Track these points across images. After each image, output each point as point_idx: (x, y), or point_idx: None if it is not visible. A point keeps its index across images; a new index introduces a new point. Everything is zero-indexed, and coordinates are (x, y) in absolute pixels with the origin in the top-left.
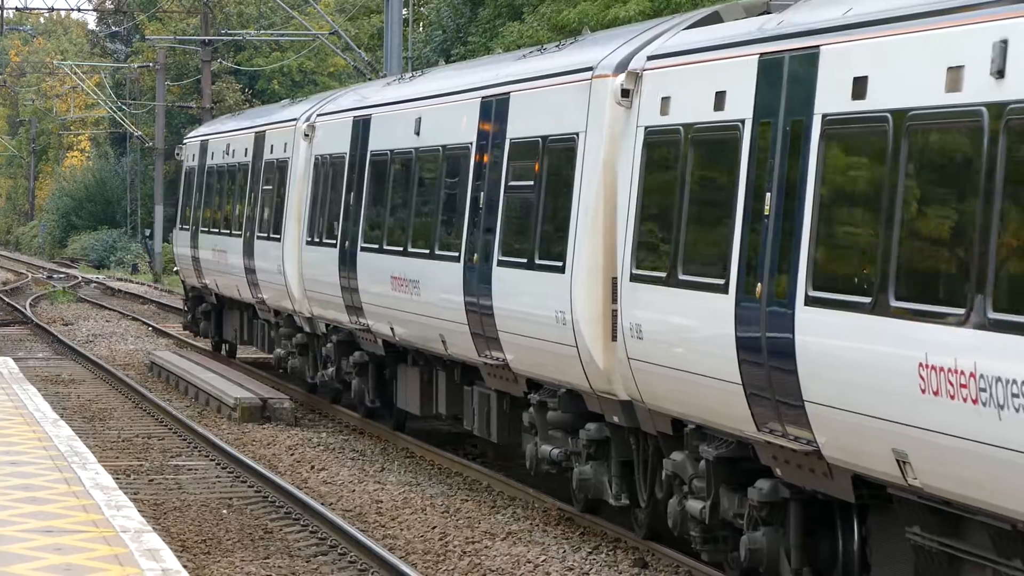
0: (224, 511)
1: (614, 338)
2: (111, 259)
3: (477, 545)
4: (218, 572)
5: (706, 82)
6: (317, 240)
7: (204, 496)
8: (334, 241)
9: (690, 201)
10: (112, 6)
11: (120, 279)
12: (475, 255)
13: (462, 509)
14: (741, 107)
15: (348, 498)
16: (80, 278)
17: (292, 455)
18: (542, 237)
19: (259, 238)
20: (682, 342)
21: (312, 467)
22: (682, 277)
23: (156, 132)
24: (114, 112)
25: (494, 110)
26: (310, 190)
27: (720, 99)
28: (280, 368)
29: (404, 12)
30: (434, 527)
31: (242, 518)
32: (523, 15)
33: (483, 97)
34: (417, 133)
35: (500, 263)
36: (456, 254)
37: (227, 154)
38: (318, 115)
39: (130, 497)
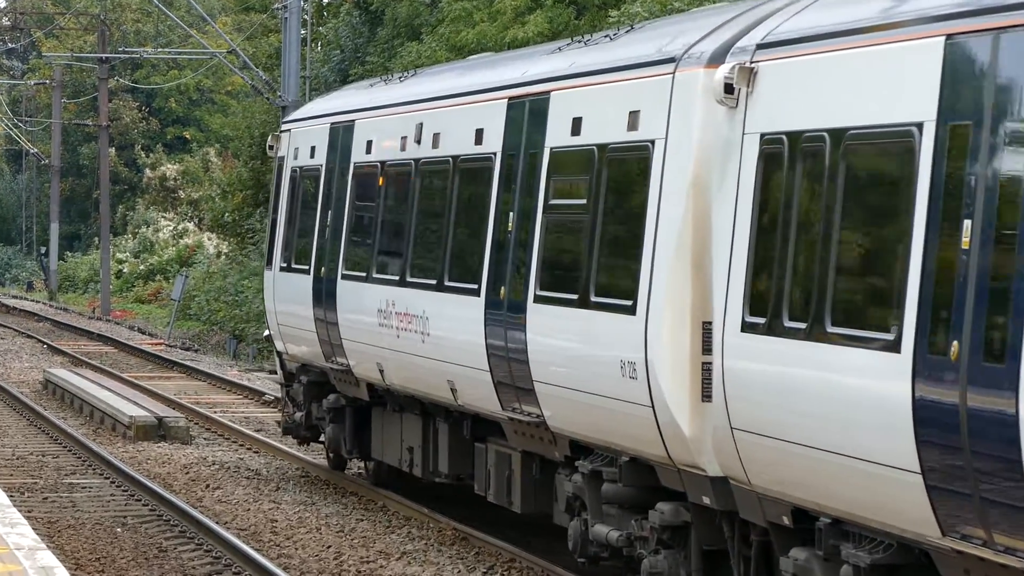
0: (118, 529)
1: None
2: (6, 276)
3: (372, 565)
4: None
5: None
6: (781, 328)
7: (99, 514)
8: (886, 337)
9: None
10: (8, 23)
11: (15, 296)
12: None
13: (357, 529)
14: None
15: (243, 517)
16: None
17: (187, 474)
18: None
19: (541, 300)
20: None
21: (207, 486)
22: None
23: (52, 149)
24: (10, 129)
25: None
26: (753, 209)
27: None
28: (584, 557)
29: (302, 32)
30: (329, 547)
31: (136, 536)
32: (422, 35)
33: None
34: None
35: None
36: None
37: (416, 143)
38: (760, 46)
39: (24, 514)
